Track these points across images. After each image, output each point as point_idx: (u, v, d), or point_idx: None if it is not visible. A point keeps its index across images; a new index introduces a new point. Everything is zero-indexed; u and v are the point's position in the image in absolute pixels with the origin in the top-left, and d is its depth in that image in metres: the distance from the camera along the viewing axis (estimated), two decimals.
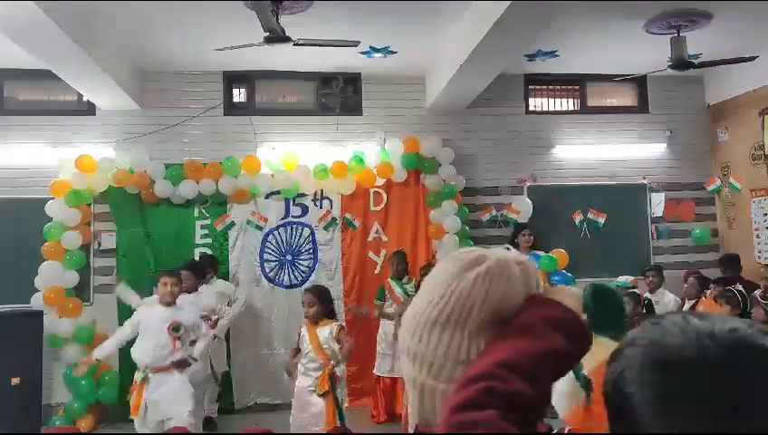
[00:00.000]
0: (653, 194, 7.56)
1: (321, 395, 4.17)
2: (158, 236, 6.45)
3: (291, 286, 6.66)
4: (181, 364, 4.42)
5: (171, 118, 6.68)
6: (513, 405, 0.71)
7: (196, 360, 4.62)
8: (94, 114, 6.63)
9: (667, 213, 7.53)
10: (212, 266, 6.12)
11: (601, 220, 7.25)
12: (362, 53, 6.27)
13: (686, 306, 6.12)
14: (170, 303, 4.46)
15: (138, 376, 4.38)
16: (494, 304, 0.86)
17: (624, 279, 6.12)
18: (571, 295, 0.89)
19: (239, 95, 7.08)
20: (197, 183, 6.37)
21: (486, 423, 0.69)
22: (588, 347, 0.84)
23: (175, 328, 4.37)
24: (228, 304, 6.02)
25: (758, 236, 7.03)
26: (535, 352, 0.77)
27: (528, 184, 7.28)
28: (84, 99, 6.50)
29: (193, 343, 4.61)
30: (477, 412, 0.70)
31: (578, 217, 7.28)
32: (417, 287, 5.27)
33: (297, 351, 4.44)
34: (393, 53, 6.38)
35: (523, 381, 0.73)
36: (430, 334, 0.87)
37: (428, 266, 6.02)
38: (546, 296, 0.88)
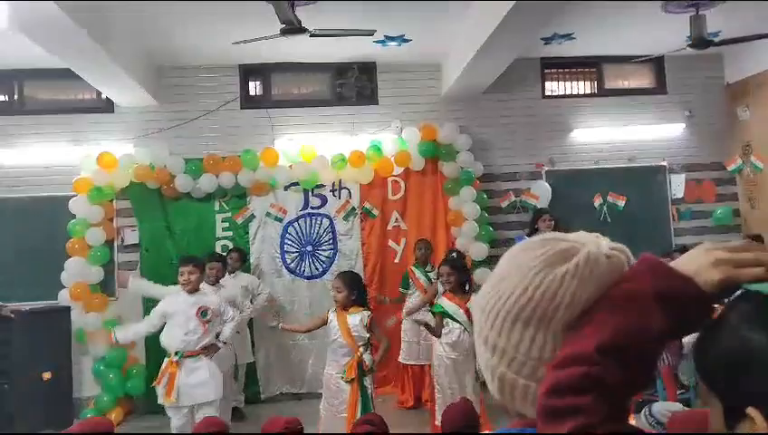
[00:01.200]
0: (673, 175, 7.50)
1: (347, 382, 4.19)
2: (180, 231, 6.53)
3: (312, 277, 6.71)
4: (209, 349, 4.46)
5: (189, 113, 6.73)
6: (610, 392, 0.69)
7: (225, 343, 4.64)
8: (113, 111, 6.70)
9: (688, 194, 7.46)
10: (240, 260, 6.17)
11: (621, 203, 7.20)
12: (377, 41, 6.26)
13: None
14: (193, 290, 4.51)
15: (172, 357, 4.39)
16: (579, 306, 0.79)
17: None
18: (706, 260, 0.74)
19: (255, 88, 7.11)
20: (217, 177, 6.43)
21: (584, 410, 0.67)
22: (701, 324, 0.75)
23: (203, 313, 4.41)
24: (251, 299, 6.08)
25: None
26: (641, 336, 0.71)
27: (546, 169, 7.25)
28: (103, 96, 6.57)
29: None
30: (575, 398, 0.68)
31: (598, 201, 7.24)
32: (438, 275, 5.31)
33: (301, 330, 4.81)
34: (408, 41, 6.37)
35: (624, 369, 0.69)
36: (511, 330, 0.82)
37: (451, 252, 6.05)
38: (663, 264, 0.76)
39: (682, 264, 0.76)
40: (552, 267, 0.81)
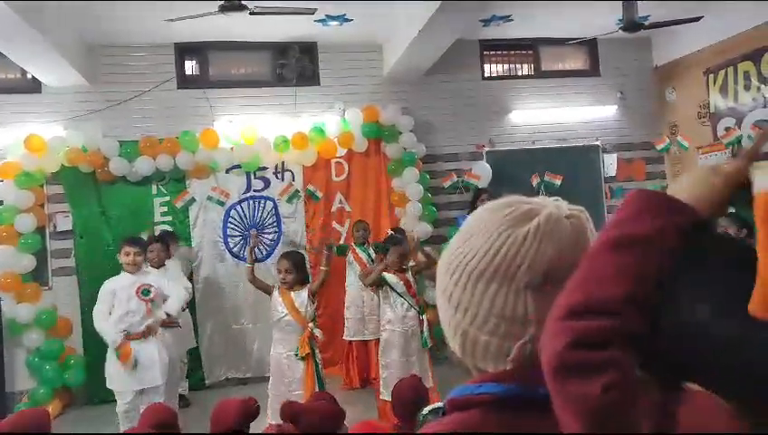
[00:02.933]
0: (605, 155, 7.80)
1: (302, 358, 4.18)
2: (116, 216, 6.30)
3: (256, 261, 6.55)
4: (154, 328, 4.36)
5: (123, 93, 6.48)
6: (635, 344, 0.66)
7: (169, 316, 4.50)
8: (40, 92, 6.36)
9: (620, 173, 7.79)
10: (172, 242, 6.02)
11: (558, 182, 7.43)
12: (318, 21, 6.18)
13: None
14: (135, 271, 4.38)
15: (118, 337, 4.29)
16: (542, 265, 0.80)
17: None
18: (701, 182, 0.75)
19: (192, 68, 6.90)
20: (154, 159, 6.23)
21: (615, 363, 0.64)
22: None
23: (144, 291, 4.29)
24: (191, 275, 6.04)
25: None
26: (659, 280, 0.68)
27: (486, 149, 7.40)
28: (28, 75, 6.23)
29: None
30: (604, 351, 0.64)
31: (535, 180, 7.44)
32: (381, 250, 5.37)
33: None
34: (349, 20, 6.32)
35: (644, 317, 0.67)
36: (475, 286, 0.84)
37: (394, 231, 6.12)
38: (674, 199, 0.74)
39: (689, 190, 0.75)
40: (515, 227, 0.83)
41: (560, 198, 0.89)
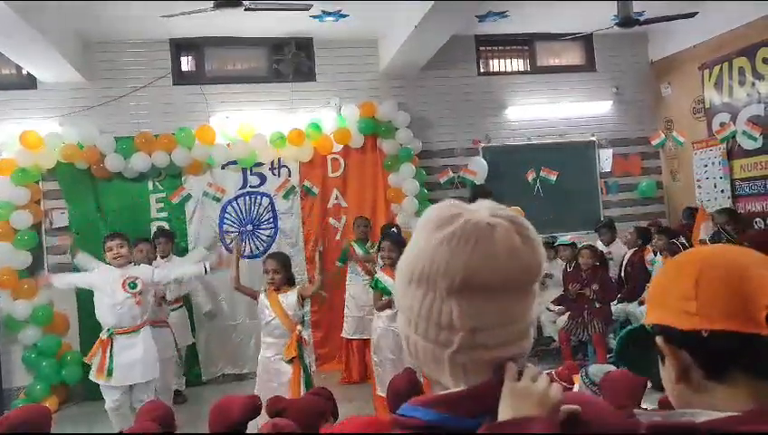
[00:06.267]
0: (601, 150, 7.82)
1: (288, 362, 4.12)
2: (113, 212, 6.29)
3: (252, 256, 6.63)
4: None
5: (119, 89, 6.46)
6: None
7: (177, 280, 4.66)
8: (35, 88, 6.34)
9: (615, 168, 7.81)
10: (170, 242, 6.00)
11: (553, 178, 7.45)
12: (314, 16, 6.17)
13: (628, 254, 6.47)
14: (123, 265, 4.34)
15: (103, 335, 4.29)
16: (457, 270, 0.79)
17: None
18: (540, 402, 0.79)
19: (188, 64, 6.89)
20: (150, 156, 6.22)
21: None
22: None
23: (130, 284, 4.26)
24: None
25: (699, 187, 7.38)
26: None
27: (482, 145, 7.41)
28: (24, 72, 6.21)
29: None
30: None
31: (531, 176, 7.46)
32: (379, 249, 5.34)
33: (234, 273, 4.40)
34: (344, 16, 6.31)
35: None
36: (406, 289, 0.85)
37: (389, 227, 6.13)
38: (507, 421, 0.77)
39: (521, 410, 0.78)
40: (434, 231, 0.83)
41: (504, 205, 0.89)
